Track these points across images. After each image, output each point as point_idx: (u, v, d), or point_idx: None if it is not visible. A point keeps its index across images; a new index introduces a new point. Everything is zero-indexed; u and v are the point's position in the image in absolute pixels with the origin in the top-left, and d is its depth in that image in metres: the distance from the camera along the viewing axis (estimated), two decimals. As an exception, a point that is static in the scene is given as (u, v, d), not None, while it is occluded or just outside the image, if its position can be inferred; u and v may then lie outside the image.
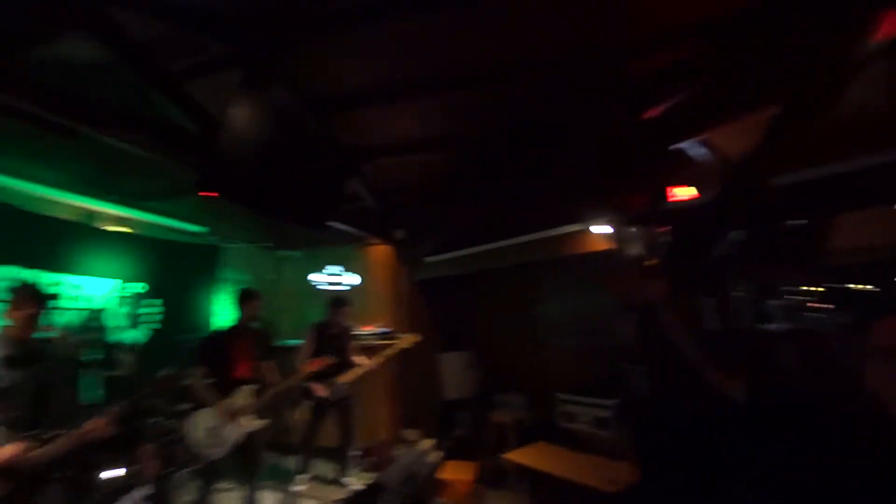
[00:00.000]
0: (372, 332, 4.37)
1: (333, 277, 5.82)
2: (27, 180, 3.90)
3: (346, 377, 4.00)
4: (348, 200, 4.80)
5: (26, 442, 1.90)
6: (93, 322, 4.04)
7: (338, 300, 4.28)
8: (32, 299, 2.08)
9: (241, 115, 2.52)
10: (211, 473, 3.29)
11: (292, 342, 4.46)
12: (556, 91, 3.15)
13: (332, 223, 4.56)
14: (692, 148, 3.73)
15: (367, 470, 4.35)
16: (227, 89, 2.50)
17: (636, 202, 3.20)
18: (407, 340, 4.20)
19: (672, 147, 3.45)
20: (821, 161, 2.57)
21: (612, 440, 3.88)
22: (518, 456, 3.49)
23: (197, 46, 2.66)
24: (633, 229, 3.19)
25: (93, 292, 4.41)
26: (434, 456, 3.49)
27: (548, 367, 4.87)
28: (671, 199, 3.42)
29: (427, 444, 4.02)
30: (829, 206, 2.88)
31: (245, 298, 3.58)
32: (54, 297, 2.23)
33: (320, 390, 3.95)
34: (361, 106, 3.42)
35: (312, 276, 5.87)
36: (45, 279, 4.08)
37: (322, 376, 3.92)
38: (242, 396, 3.31)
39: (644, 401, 2.66)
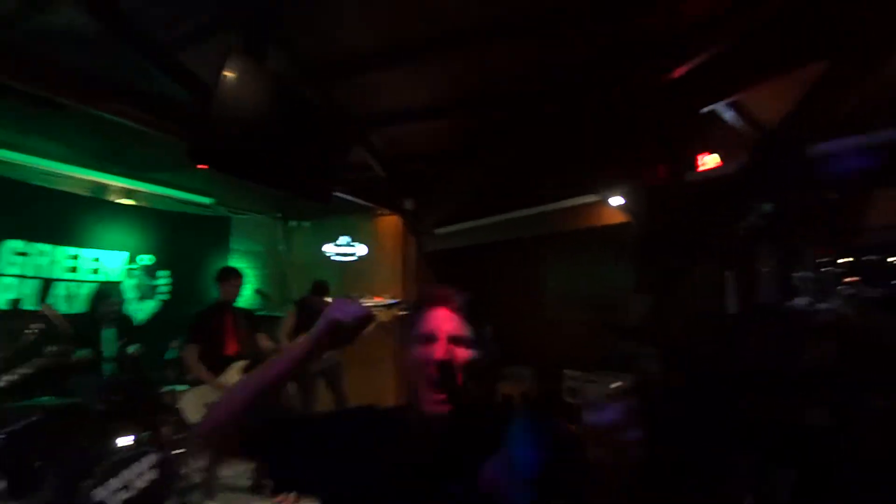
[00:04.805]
0: (379, 304, 4.30)
1: (343, 248, 5.77)
2: (32, 154, 3.84)
3: None
4: (356, 170, 4.66)
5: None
6: (108, 294, 4.05)
7: (319, 286, 4.35)
8: None
9: (234, 83, 2.36)
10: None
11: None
12: (574, 48, 2.89)
13: (339, 193, 4.44)
14: (722, 112, 3.45)
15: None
16: (221, 55, 2.34)
17: (658, 172, 2.99)
18: (388, 314, 4.11)
19: (700, 111, 3.19)
20: (862, 130, 2.32)
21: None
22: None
23: (188, 11, 2.49)
24: (652, 202, 3.01)
25: (107, 265, 4.44)
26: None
27: (556, 342, 4.80)
28: (699, 169, 3.17)
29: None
30: (868, 179, 2.64)
31: (223, 277, 3.54)
32: None
33: None
34: (366, 71, 3.24)
35: (324, 247, 5.84)
36: (61, 254, 4.11)
37: None
38: (234, 372, 3.32)
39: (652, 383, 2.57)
